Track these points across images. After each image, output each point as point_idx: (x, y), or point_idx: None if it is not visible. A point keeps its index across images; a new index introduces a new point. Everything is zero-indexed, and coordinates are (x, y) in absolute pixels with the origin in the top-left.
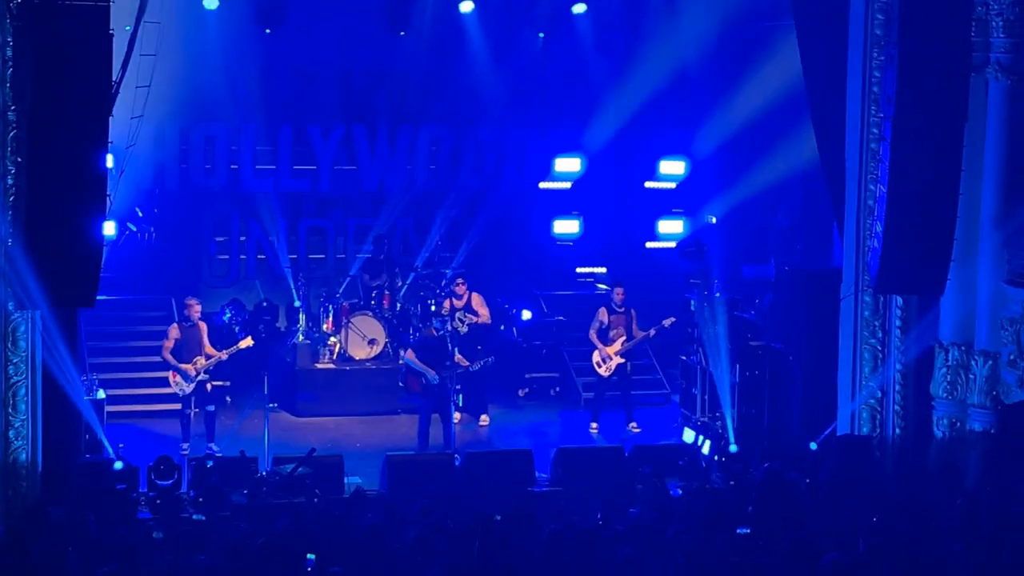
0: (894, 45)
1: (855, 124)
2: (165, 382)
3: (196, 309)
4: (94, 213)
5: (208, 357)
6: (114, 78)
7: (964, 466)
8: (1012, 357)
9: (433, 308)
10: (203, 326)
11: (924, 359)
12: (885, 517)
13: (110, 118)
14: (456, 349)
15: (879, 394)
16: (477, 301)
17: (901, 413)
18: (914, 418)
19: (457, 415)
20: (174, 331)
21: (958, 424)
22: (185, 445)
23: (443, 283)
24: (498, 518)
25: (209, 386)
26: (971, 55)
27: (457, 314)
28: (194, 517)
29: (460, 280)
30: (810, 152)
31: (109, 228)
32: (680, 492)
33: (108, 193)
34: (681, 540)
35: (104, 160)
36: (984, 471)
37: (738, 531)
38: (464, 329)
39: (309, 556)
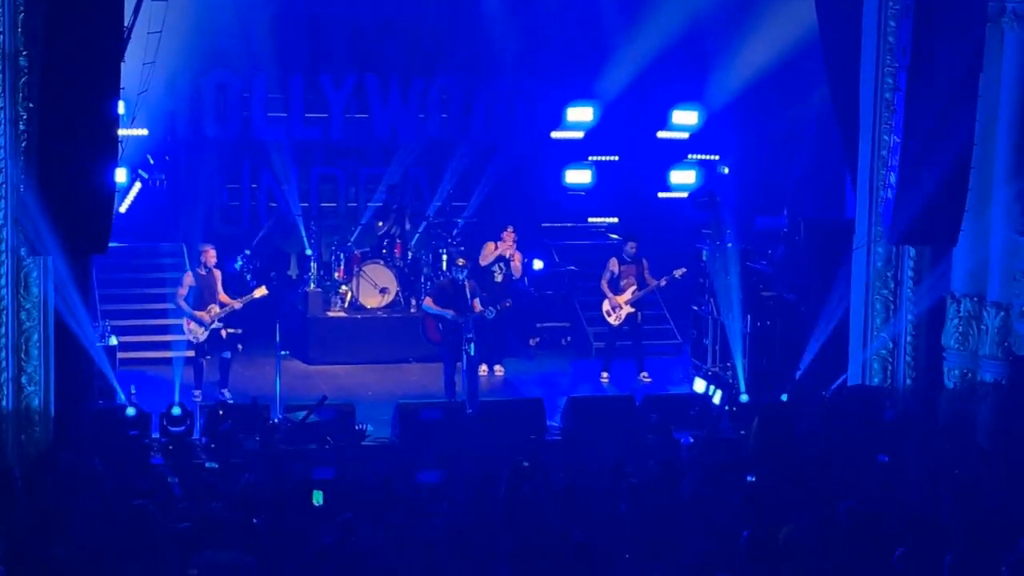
0: None
1: (870, 74)
2: (177, 329)
3: (211, 255)
4: (106, 160)
5: (223, 305)
6: (126, 24)
7: (975, 417)
8: None
9: (445, 258)
10: (218, 274)
11: (936, 310)
12: (895, 467)
13: (122, 64)
14: (478, 299)
15: (891, 345)
16: (517, 259)
17: (912, 364)
18: (925, 369)
19: (483, 367)
20: (188, 279)
21: (969, 375)
22: (197, 392)
23: (455, 232)
24: (526, 464)
25: (224, 333)
26: (987, 4)
27: (499, 262)
28: (207, 465)
29: (510, 228)
30: (824, 102)
31: (121, 175)
32: (691, 441)
33: (120, 140)
34: (690, 489)
35: (116, 107)
36: (995, 422)
37: (748, 479)
38: (499, 278)
39: (316, 494)
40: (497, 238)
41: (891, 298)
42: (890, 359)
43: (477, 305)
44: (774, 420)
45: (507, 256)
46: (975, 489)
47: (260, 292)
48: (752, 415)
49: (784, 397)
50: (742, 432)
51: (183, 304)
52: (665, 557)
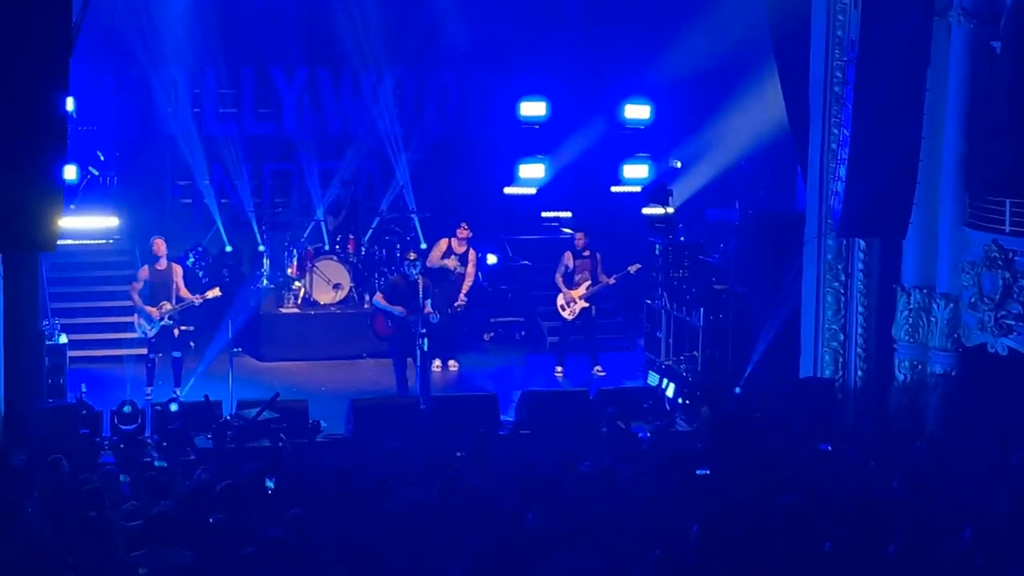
0: None
1: (819, 67)
2: (128, 327)
3: (158, 245)
4: (55, 156)
5: (180, 300)
6: (75, 19)
7: (925, 408)
8: (973, 300)
9: (399, 254)
10: (178, 269)
11: (886, 302)
12: (843, 459)
13: (70, 60)
14: (429, 300)
15: (842, 337)
16: (472, 258)
17: (863, 356)
18: (876, 361)
19: (437, 362)
20: (143, 272)
21: (919, 367)
22: (149, 389)
23: (408, 227)
24: (459, 454)
25: (176, 331)
26: None
27: (453, 255)
28: (156, 463)
29: (464, 224)
30: (774, 96)
31: (70, 172)
32: (649, 435)
33: (68, 136)
34: (640, 482)
35: (64, 103)
36: (944, 413)
37: (697, 472)
38: (458, 268)
39: (268, 483)
40: (451, 234)
41: (842, 290)
42: (841, 351)
43: (427, 307)
44: (725, 412)
45: (459, 252)
46: (924, 480)
47: (213, 293)
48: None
49: (737, 389)
50: (694, 425)
51: (136, 298)
52: (613, 546)
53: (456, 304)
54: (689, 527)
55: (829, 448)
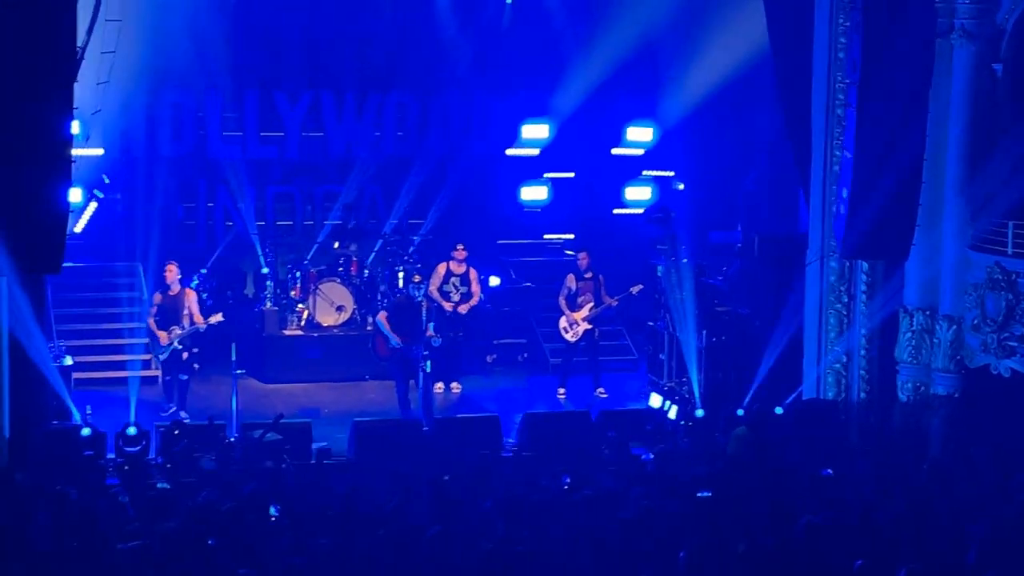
0: (859, 10)
1: (821, 89)
2: (133, 349)
3: (170, 271)
4: (59, 179)
5: (192, 324)
6: (79, 44)
7: (928, 430)
8: (976, 322)
9: (402, 275)
10: (191, 295)
11: (889, 324)
12: (849, 481)
13: (75, 84)
14: (432, 323)
15: (844, 358)
16: (473, 276)
17: (866, 377)
18: (879, 382)
19: (439, 385)
20: (157, 298)
21: (922, 388)
22: (172, 407)
23: (411, 250)
24: (446, 478)
25: (186, 355)
26: (936, 21)
27: (453, 279)
28: (159, 485)
29: (460, 246)
30: (776, 118)
31: (75, 195)
32: (652, 457)
33: (73, 159)
34: (643, 504)
35: (69, 126)
36: (947, 435)
37: (698, 495)
38: (456, 297)
39: (272, 510)
40: (448, 258)
41: (844, 312)
42: (844, 373)
43: (429, 330)
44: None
45: (459, 273)
46: (928, 502)
47: (216, 318)
48: (711, 429)
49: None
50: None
51: (152, 325)
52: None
53: (456, 332)
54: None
55: (830, 473)
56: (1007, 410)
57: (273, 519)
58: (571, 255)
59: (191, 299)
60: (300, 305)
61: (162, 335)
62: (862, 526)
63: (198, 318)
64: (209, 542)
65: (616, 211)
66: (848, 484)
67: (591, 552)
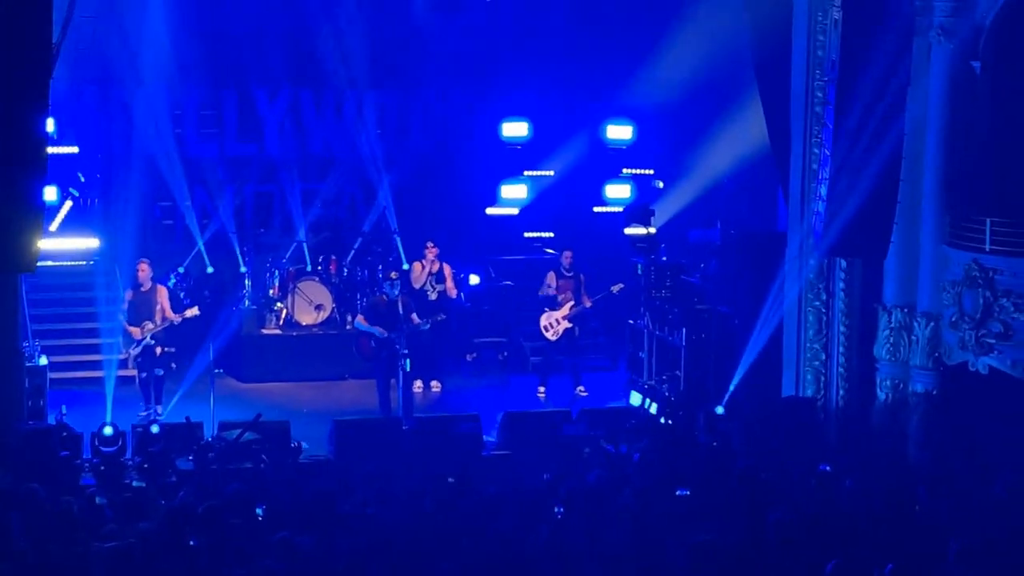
0: (838, 8)
1: (800, 87)
2: (108, 348)
3: (142, 269)
4: (34, 178)
5: (164, 320)
6: (54, 40)
7: (906, 427)
8: (954, 319)
9: (381, 274)
10: (162, 291)
11: (868, 321)
12: (828, 476)
13: (50, 81)
14: (415, 312)
15: (823, 356)
16: (448, 272)
17: (845, 375)
18: (858, 380)
19: (419, 383)
20: (128, 295)
21: (901, 385)
22: (159, 408)
23: (390, 248)
24: (451, 480)
25: (159, 350)
26: (914, 19)
27: (429, 279)
28: (134, 484)
29: (430, 244)
30: (756, 116)
31: (50, 193)
32: (638, 456)
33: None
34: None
35: (44, 124)
36: (925, 432)
37: (677, 493)
38: (434, 296)
39: (258, 511)
40: (420, 256)
41: (823, 310)
42: (823, 370)
43: (415, 318)
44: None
45: (434, 271)
46: (906, 499)
47: (192, 312)
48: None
49: (719, 409)
50: (714, 444)
51: (123, 322)
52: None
53: (438, 316)
54: (675, 546)
55: (828, 469)
56: (985, 407)
57: (259, 519)
58: (551, 253)
59: (163, 295)
60: (279, 304)
61: (134, 330)
62: (839, 524)
63: (169, 313)
64: (191, 543)
65: (596, 209)
66: (826, 481)
67: (574, 550)
